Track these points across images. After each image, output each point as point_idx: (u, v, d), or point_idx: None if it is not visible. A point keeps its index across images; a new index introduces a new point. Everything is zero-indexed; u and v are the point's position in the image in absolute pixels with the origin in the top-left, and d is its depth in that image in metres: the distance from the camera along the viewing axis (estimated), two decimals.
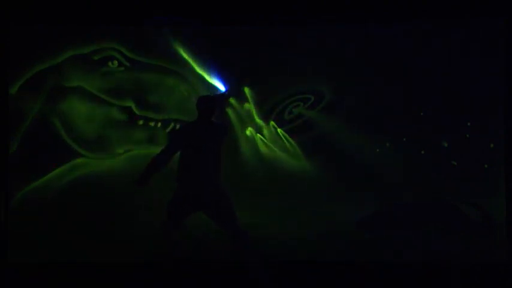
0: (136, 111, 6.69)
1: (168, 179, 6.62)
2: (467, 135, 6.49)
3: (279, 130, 6.70)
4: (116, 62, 6.66)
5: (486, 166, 6.46)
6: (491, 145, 6.46)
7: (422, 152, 6.53)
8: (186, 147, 5.20)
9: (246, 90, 6.68)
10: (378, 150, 6.60)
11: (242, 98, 6.70)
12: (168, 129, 6.72)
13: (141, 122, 6.70)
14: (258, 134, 6.68)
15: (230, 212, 5.17)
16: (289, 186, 6.50)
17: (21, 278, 6.03)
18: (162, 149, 5.25)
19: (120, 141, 6.71)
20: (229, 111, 6.69)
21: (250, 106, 6.69)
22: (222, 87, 5.53)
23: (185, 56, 6.67)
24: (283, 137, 6.69)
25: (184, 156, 5.22)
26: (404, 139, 6.58)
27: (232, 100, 6.69)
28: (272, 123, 6.71)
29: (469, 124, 6.48)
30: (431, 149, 6.54)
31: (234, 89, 6.55)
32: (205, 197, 5.17)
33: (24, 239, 6.50)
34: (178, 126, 6.73)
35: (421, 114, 6.53)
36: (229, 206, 5.17)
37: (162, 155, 5.20)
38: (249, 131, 6.69)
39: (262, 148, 6.69)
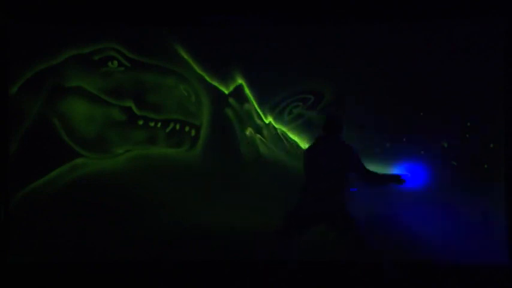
0: (137, 111, 6.68)
1: (168, 179, 6.66)
2: (467, 135, 6.48)
3: (278, 130, 6.70)
4: (115, 62, 6.66)
5: (486, 166, 6.45)
6: (491, 145, 6.46)
7: (422, 152, 6.52)
8: (310, 161, 5.36)
9: (246, 90, 6.68)
10: (378, 150, 6.59)
11: (242, 98, 6.69)
12: (168, 129, 6.71)
13: (141, 122, 6.70)
14: (258, 135, 6.68)
15: (349, 228, 5.31)
16: (289, 187, 6.48)
17: (21, 278, 6.04)
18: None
19: (120, 141, 6.70)
20: (229, 111, 6.69)
21: (250, 106, 6.69)
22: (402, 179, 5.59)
23: (185, 56, 6.67)
24: (283, 138, 6.69)
25: (309, 170, 5.37)
26: (404, 139, 6.57)
27: (232, 100, 6.70)
28: (272, 123, 6.70)
29: (469, 124, 6.48)
30: (431, 149, 6.53)
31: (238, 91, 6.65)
32: (326, 214, 5.31)
33: (24, 239, 6.51)
34: (178, 125, 6.73)
35: (421, 114, 6.52)
36: (348, 225, 5.29)
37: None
38: (248, 131, 6.69)
39: (262, 148, 6.68)
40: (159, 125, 6.71)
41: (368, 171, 5.32)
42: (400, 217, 6.54)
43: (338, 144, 5.34)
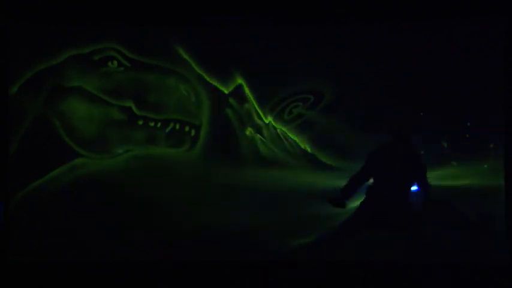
0: (136, 111, 6.68)
1: (168, 179, 6.66)
2: (467, 135, 6.49)
3: (278, 130, 6.70)
4: (115, 62, 6.66)
5: (486, 166, 6.45)
6: (491, 145, 6.46)
7: (422, 152, 6.52)
8: (379, 168, 5.93)
9: (246, 90, 6.68)
10: None
11: (242, 98, 6.69)
12: (168, 129, 6.71)
13: (141, 122, 6.70)
14: (258, 134, 6.68)
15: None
16: (289, 187, 6.50)
17: (21, 278, 6.04)
18: (359, 170, 6.03)
19: (120, 141, 6.70)
20: (229, 111, 6.69)
21: (250, 106, 6.68)
22: None
23: (185, 56, 6.67)
24: (282, 137, 6.69)
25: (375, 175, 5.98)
26: None
27: (232, 100, 6.70)
28: (272, 123, 6.70)
29: (469, 124, 6.48)
30: (431, 149, 6.52)
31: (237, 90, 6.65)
32: (388, 219, 5.93)
33: (24, 239, 6.51)
34: (178, 125, 6.72)
35: (421, 114, 6.53)
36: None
37: (358, 175, 6.01)
38: (248, 131, 6.69)
39: (262, 148, 6.68)
40: (159, 125, 6.71)
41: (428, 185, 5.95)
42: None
43: (406, 153, 5.97)
